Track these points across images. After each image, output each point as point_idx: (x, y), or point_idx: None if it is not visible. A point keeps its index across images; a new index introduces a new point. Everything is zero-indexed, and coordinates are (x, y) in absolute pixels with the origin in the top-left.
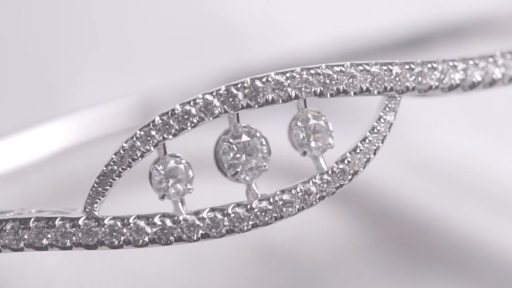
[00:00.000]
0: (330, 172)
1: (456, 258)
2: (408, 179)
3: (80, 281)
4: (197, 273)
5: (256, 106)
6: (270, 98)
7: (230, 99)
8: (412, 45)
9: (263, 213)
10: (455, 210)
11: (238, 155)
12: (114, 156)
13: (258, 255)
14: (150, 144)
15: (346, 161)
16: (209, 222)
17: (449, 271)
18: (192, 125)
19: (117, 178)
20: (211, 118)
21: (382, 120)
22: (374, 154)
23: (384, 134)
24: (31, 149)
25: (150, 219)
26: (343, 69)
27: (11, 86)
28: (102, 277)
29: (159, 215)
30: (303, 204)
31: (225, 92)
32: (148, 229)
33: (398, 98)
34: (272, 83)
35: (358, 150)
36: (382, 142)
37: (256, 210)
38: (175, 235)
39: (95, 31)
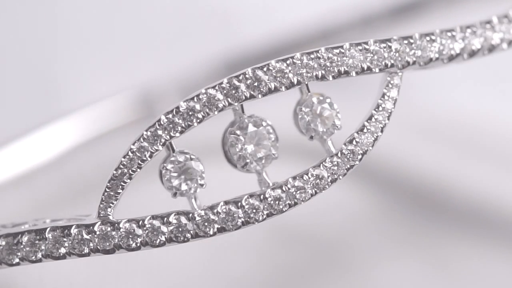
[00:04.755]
0: (339, 154)
1: (469, 218)
2: (415, 144)
3: (99, 278)
4: (215, 255)
5: (259, 96)
6: (273, 86)
7: (233, 91)
8: (406, 11)
9: (277, 202)
10: (465, 171)
11: (246, 147)
12: (123, 159)
13: (274, 233)
14: (158, 144)
15: (354, 142)
16: (224, 216)
17: (463, 230)
18: (198, 120)
19: (128, 180)
20: (216, 112)
21: (386, 97)
22: (382, 131)
23: (390, 110)
24: (36, 152)
25: (165, 218)
26: (342, 50)
27: (8, 89)
28: (121, 272)
29: (174, 213)
30: (315, 189)
31: (228, 85)
32: (164, 229)
33: (400, 74)
34: (273, 71)
35: (365, 130)
36: (389, 119)
37: (269, 199)
38: (191, 232)
39: (87, 27)
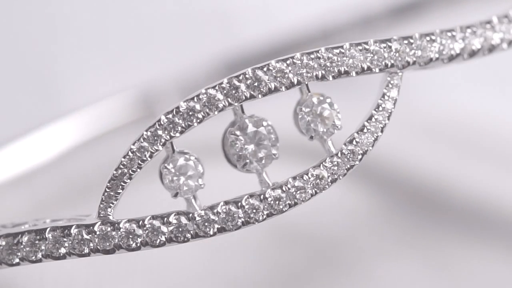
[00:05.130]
0: (339, 155)
1: (469, 218)
2: (415, 144)
3: (99, 278)
4: (215, 255)
5: (259, 96)
6: (273, 86)
7: (233, 91)
8: (406, 11)
9: (277, 202)
10: (465, 171)
11: (246, 147)
12: (123, 159)
13: (274, 233)
14: (158, 144)
15: (354, 142)
16: (224, 216)
17: (463, 230)
18: (198, 121)
19: (129, 180)
20: (216, 112)
21: (386, 97)
22: (382, 131)
23: (390, 110)
24: (36, 152)
25: (165, 218)
26: (342, 50)
27: (8, 89)
28: (121, 272)
29: (174, 213)
30: (315, 189)
31: (228, 85)
32: (164, 229)
33: (400, 74)
34: (273, 71)
35: (365, 130)
36: (389, 119)
37: (269, 199)
38: (191, 232)
39: (86, 27)
